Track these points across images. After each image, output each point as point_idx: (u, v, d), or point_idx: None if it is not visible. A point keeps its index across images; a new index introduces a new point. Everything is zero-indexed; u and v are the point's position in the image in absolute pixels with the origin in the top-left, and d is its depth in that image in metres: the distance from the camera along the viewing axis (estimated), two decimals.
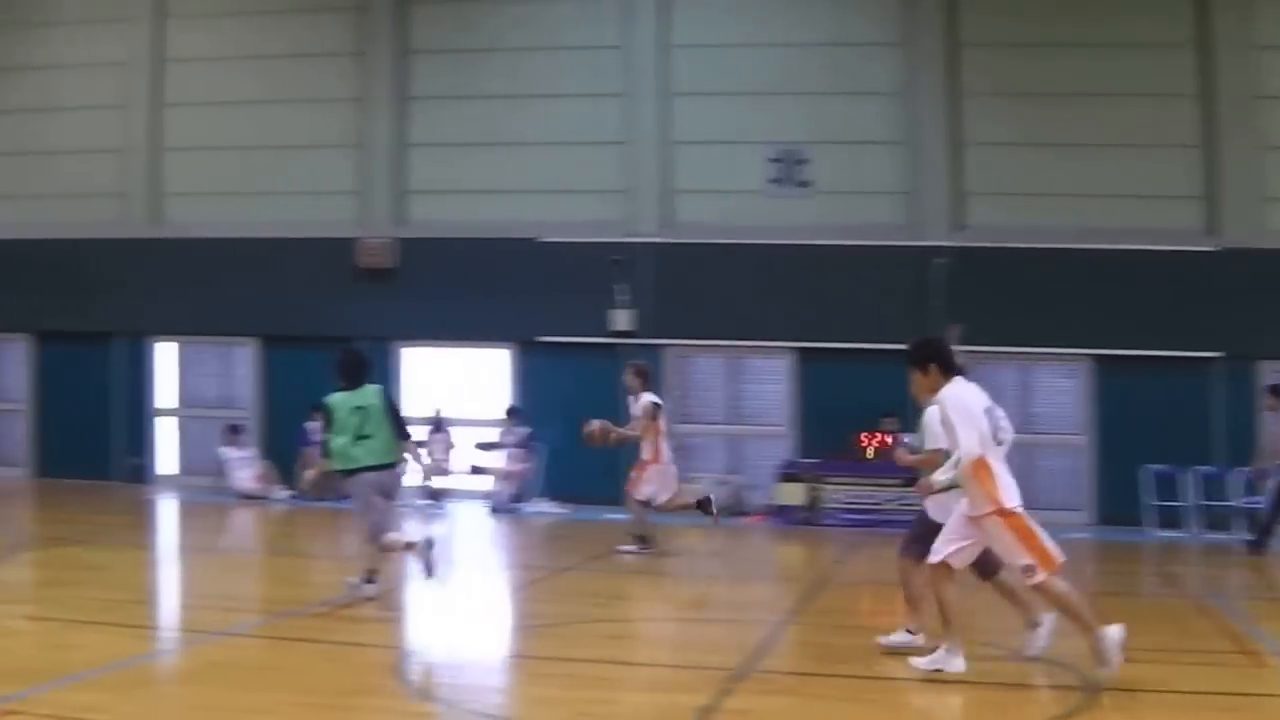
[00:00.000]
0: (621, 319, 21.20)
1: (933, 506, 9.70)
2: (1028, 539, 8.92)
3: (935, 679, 9.04)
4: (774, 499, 20.39)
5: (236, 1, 24.03)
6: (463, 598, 13.70)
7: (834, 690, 9.15)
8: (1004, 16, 21.23)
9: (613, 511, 19.53)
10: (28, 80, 24.57)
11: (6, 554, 15.96)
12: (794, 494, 20.06)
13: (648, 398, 16.27)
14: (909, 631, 9.88)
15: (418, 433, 21.64)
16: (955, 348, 17.27)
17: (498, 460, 21.55)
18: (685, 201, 21.98)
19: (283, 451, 21.96)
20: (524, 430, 21.34)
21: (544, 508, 20.95)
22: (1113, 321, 20.26)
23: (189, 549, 17.52)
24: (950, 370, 9.30)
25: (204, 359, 23.93)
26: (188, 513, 21.44)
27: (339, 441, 12.29)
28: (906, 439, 14.38)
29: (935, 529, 9.35)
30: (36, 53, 24.62)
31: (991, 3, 21.36)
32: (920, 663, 9.21)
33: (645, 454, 16.21)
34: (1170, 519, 19.57)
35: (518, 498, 21.13)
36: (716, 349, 21.72)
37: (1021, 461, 19.72)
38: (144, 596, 13.98)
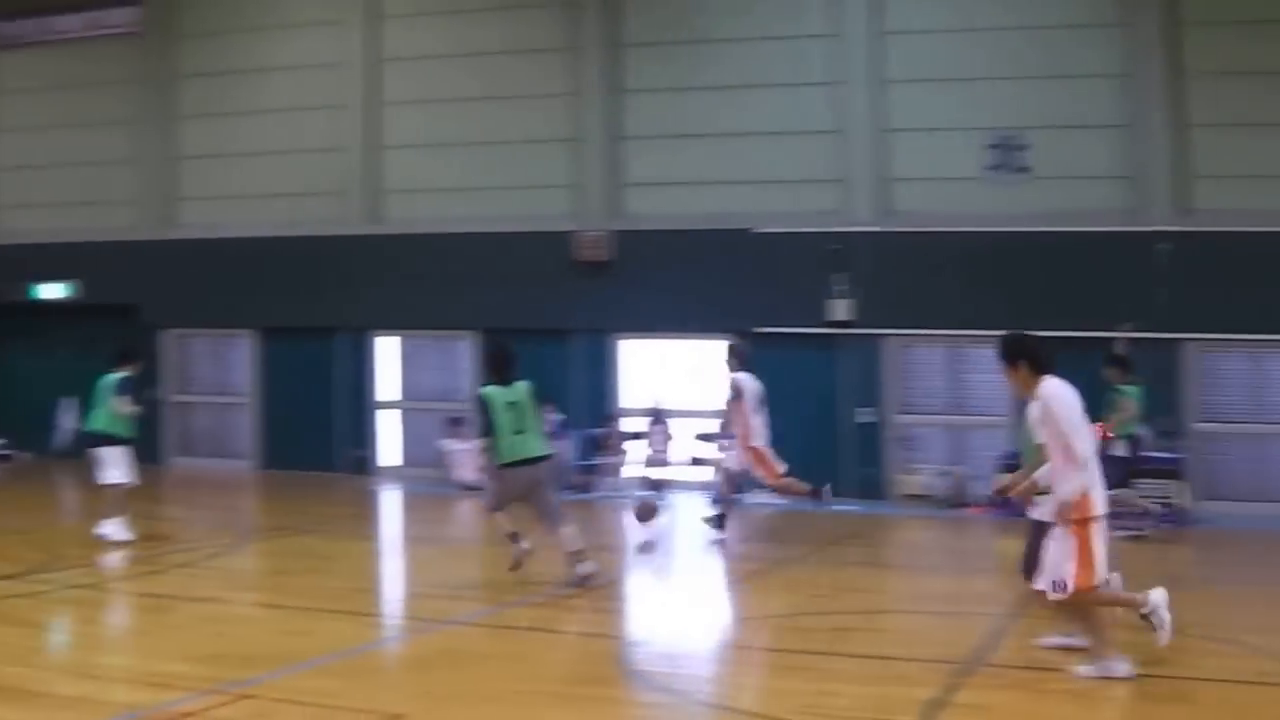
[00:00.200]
0: (840, 309, 21.63)
1: (1040, 510, 9.95)
2: (1084, 553, 9.06)
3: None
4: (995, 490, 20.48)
5: (449, 0, 25.13)
6: (685, 589, 14.29)
7: (1064, 686, 9.15)
8: None
9: (834, 502, 19.84)
10: (250, 83, 26.22)
11: (237, 543, 17.00)
12: None
13: (734, 378, 16.92)
14: (1066, 635, 9.96)
15: (637, 424, 22.48)
16: (1121, 343, 17.59)
17: (717, 451, 21.94)
18: (901, 190, 22.41)
19: None
20: None
21: (764, 499, 21.28)
22: None
23: (413, 539, 18.32)
24: (1041, 368, 9.39)
25: (424, 353, 24.97)
26: (410, 503, 22.47)
27: (500, 436, 13.20)
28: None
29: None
30: (258, 56, 26.36)
31: None
32: (1085, 670, 9.30)
33: (735, 433, 16.93)
34: None
35: (737, 489, 21.55)
36: (936, 338, 22.06)
37: (1252, 452, 19.96)
38: (371, 585, 14.82)
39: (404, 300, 24.40)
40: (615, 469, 22.87)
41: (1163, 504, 18.41)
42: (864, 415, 21.20)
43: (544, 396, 21.99)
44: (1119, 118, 21.47)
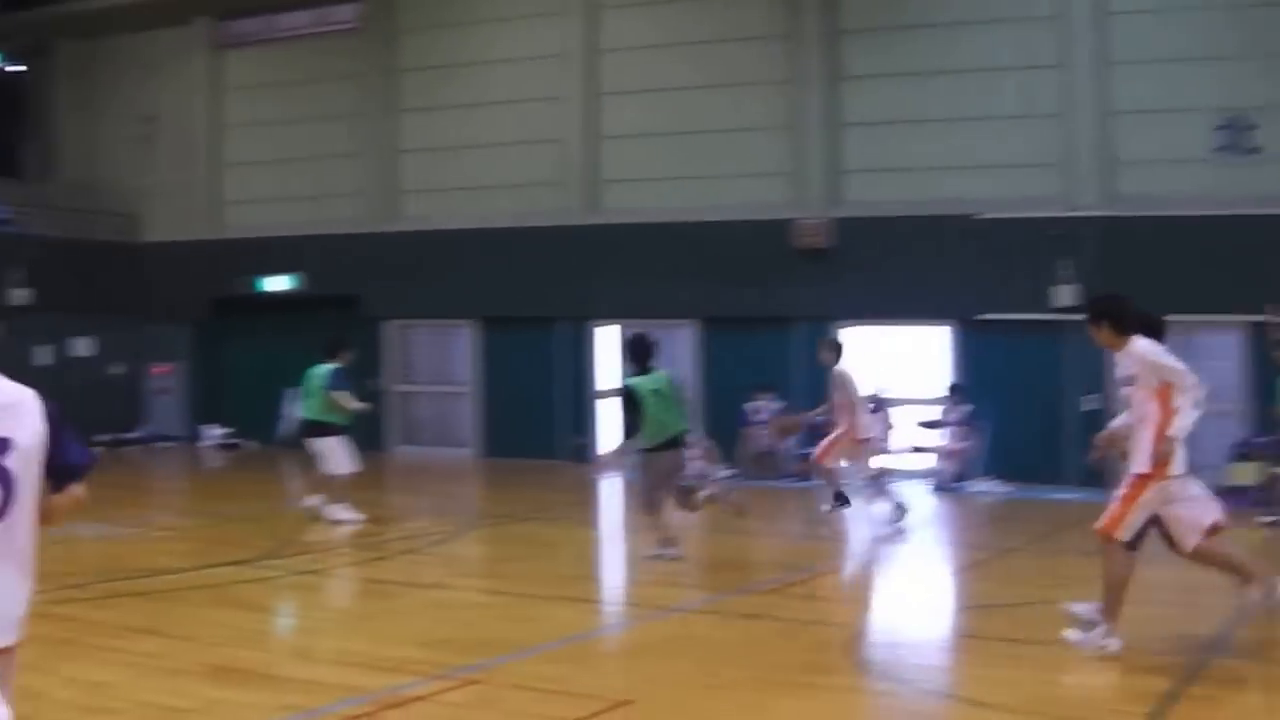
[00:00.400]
0: (1065, 295, 21.81)
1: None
2: (1129, 504, 9.66)
3: None
4: (1227, 480, 19.76)
5: None
6: (909, 577, 14.69)
7: None
8: None
9: (1057, 491, 20.10)
10: (470, 76, 27.66)
11: (461, 531, 17.86)
12: (1248, 474, 19.72)
13: (837, 371, 17.55)
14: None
15: None
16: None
17: (940, 439, 22.37)
18: (1127, 173, 22.65)
19: (723, 431, 23.40)
20: (966, 408, 22.21)
21: (987, 486, 21.64)
22: None
23: (633, 526, 18.63)
24: (1124, 329, 9.84)
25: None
26: (630, 491, 23.01)
27: (648, 424, 14.34)
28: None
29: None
30: (477, 49, 27.85)
31: None
32: (1076, 637, 9.82)
33: (840, 427, 17.47)
34: None
35: (960, 476, 22.00)
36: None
37: None
38: (593, 572, 15.58)
39: (622, 289, 25.52)
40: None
41: None
42: (1089, 403, 21.44)
43: (764, 385, 22.70)
44: None
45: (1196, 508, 9.84)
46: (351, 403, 17.74)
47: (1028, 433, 21.95)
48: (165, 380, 31.35)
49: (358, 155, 28.91)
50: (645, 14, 26.32)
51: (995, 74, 23.34)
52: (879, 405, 23.01)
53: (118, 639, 10.50)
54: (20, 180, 33.54)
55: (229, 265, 29.54)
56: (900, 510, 17.38)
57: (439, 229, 27.35)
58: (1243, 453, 20.33)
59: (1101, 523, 9.74)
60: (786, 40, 24.92)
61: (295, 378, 18.92)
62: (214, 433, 29.79)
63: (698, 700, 8.80)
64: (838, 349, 17.88)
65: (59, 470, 4.72)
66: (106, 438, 29.08)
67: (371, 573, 14.53)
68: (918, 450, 22.86)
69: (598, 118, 26.47)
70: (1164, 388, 9.57)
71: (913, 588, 13.84)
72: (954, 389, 22.52)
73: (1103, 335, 9.99)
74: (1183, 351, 9.92)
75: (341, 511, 17.47)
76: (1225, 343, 21.51)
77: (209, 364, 30.83)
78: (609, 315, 25.86)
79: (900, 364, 23.77)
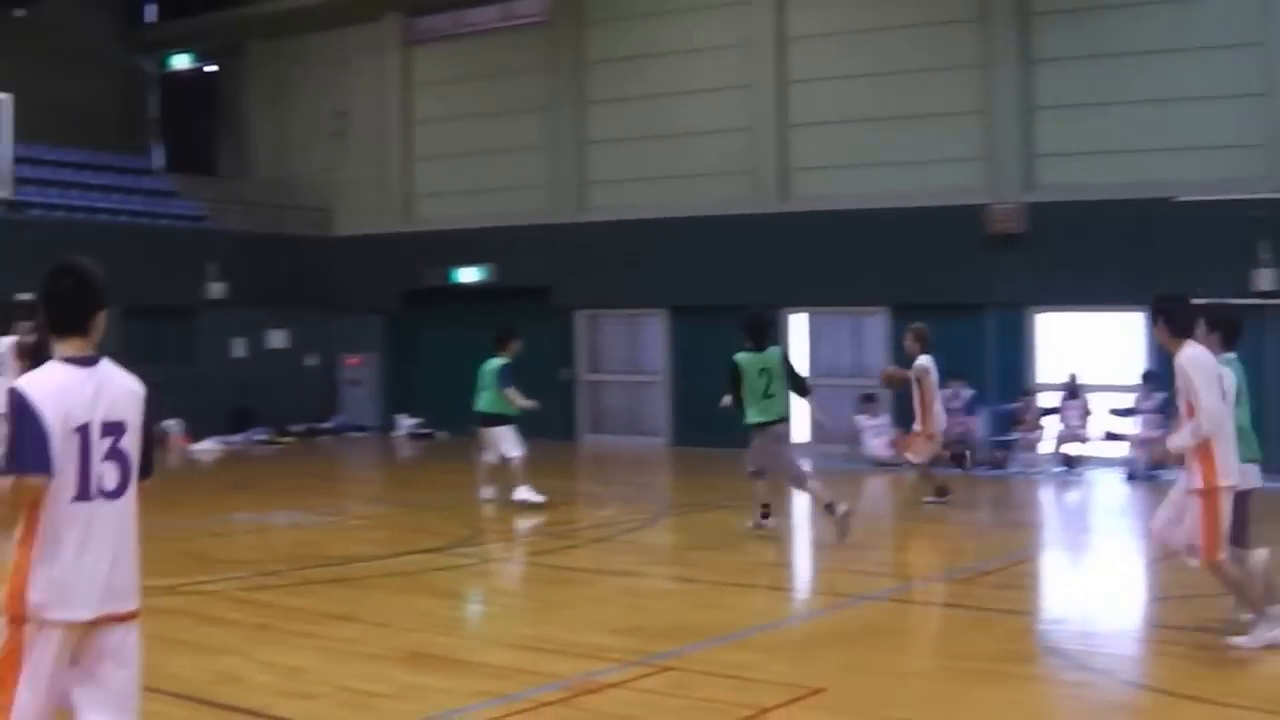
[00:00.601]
0: (1266, 279, 21.85)
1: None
2: (1210, 522, 9.55)
3: None
4: None
5: None
6: (1102, 567, 14.83)
7: None
8: None
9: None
10: (657, 67, 28.52)
11: (653, 519, 18.37)
12: None
13: (920, 361, 18.10)
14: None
15: (1052, 399, 23.06)
16: None
17: (1134, 426, 22.43)
18: None
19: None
20: (1160, 396, 22.13)
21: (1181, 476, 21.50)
22: None
23: (819, 515, 18.82)
24: (1180, 331, 9.81)
25: (836, 329, 26.04)
26: (822, 480, 23.33)
27: (750, 398, 15.46)
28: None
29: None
30: (664, 39, 28.68)
31: None
32: (1242, 641, 9.75)
33: (916, 420, 18.29)
34: None
35: (1155, 465, 21.93)
36: None
37: None
38: (783, 560, 15.81)
39: (813, 277, 26.02)
40: (1031, 445, 23.73)
41: None
42: None
43: (955, 371, 23.06)
44: None
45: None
46: (520, 399, 18.77)
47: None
48: (358, 371, 32.66)
49: (546, 147, 29.96)
50: (832, 2, 26.87)
51: (1191, 54, 23.30)
52: (1074, 392, 23.21)
53: (314, 625, 11.00)
54: (216, 177, 35.09)
55: (420, 258, 30.73)
56: (943, 492, 18.38)
57: (628, 219, 28.20)
58: None
59: (1199, 557, 9.71)
60: (978, 23, 25.23)
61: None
62: (406, 423, 30.97)
63: (889, 688, 8.99)
64: (924, 339, 18.47)
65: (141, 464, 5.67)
66: (301, 428, 30.45)
67: (563, 560, 14.92)
68: (1111, 438, 22.93)
69: (787, 106, 27.05)
70: (1190, 404, 9.62)
71: (1106, 578, 13.89)
72: (1148, 376, 22.36)
73: (1160, 335, 10.04)
74: None
75: (526, 493, 18.50)
76: None
77: (401, 355, 32.06)
78: (799, 303, 26.35)
79: (1094, 350, 23.87)
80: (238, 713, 8.31)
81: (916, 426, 18.44)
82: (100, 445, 5.32)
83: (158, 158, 36.17)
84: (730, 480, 22.45)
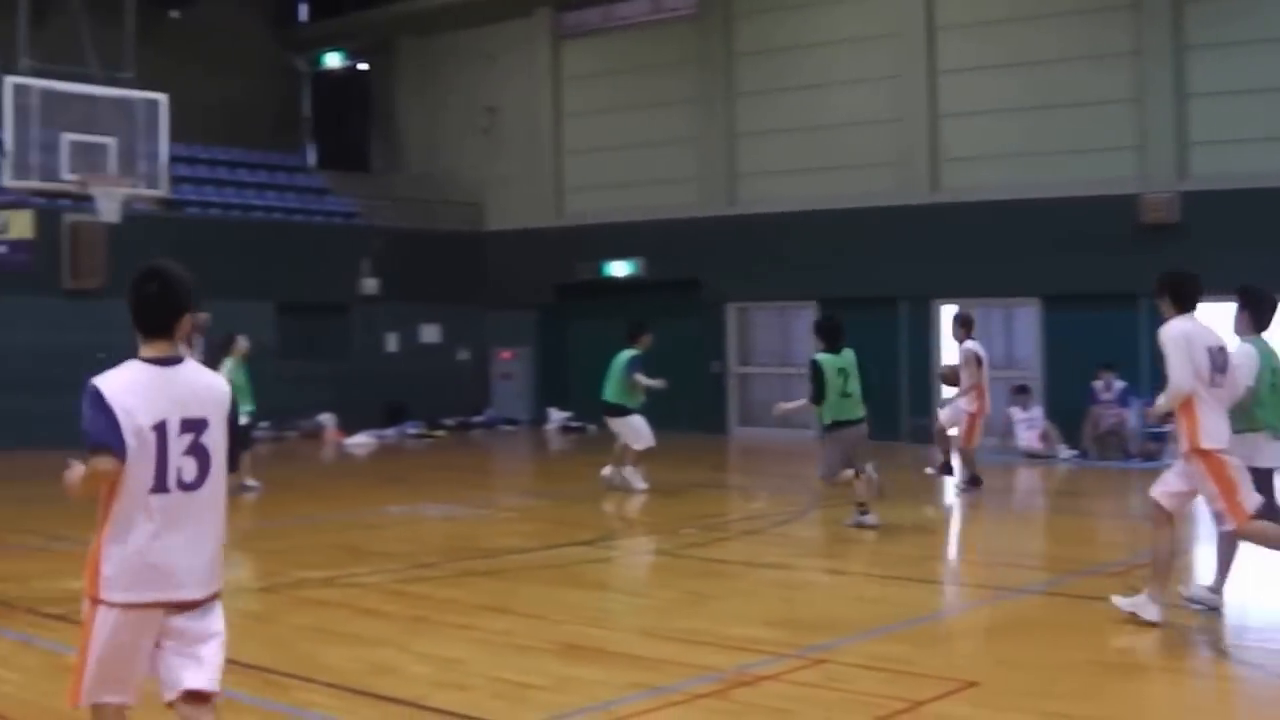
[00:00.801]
0: None
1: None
2: (1222, 485, 9.86)
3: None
4: None
5: None
6: (1257, 561, 14.63)
7: None
8: None
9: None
10: (807, 58, 29.15)
11: (803, 511, 18.46)
12: None
13: (967, 346, 18.75)
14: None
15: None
16: None
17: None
18: None
19: (1067, 411, 24.16)
20: None
21: None
22: None
23: (974, 506, 18.91)
24: (1182, 305, 10.18)
25: (987, 320, 26.29)
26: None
27: (829, 398, 15.99)
28: None
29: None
30: (812, 31, 29.30)
31: None
32: (1121, 602, 10.33)
33: (968, 404, 18.93)
34: None
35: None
36: None
37: None
38: (936, 553, 15.92)
39: (964, 268, 26.45)
40: None
41: None
42: None
43: (1107, 363, 23.16)
44: None
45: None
46: (648, 382, 20.07)
47: None
48: (509, 365, 33.60)
49: (696, 140, 30.69)
50: None
51: None
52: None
53: (469, 616, 11.18)
54: (368, 174, 36.16)
55: (571, 251, 31.63)
56: (976, 482, 19.09)
57: (778, 211, 28.82)
58: None
59: (1229, 524, 10.09)
60: (1131, 10, 25.44)
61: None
62: (557, 416, 31.82)
63: (1042, 682, 8.96)
64: (969, 324, 19.13)
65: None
66: (452, 421, 31.38)
67: (714, 553, 15.05)
68: None
69: (936, 96, 27.50)
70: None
71: (1261, 571, 13.28)
72: None
73: (1162, 310, 10.38)
74: None
75: (634, 478, 19.84)
76: None
77: (552, 349, 32.99)
78: (951, 294, 26.66)
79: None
80: (394, 703, 8.50)
81: (967, 406, 19.05)
82: (180, 441, 5.71)
83: (311, 155, 37.55)
84: (880, 472, 22.77)
